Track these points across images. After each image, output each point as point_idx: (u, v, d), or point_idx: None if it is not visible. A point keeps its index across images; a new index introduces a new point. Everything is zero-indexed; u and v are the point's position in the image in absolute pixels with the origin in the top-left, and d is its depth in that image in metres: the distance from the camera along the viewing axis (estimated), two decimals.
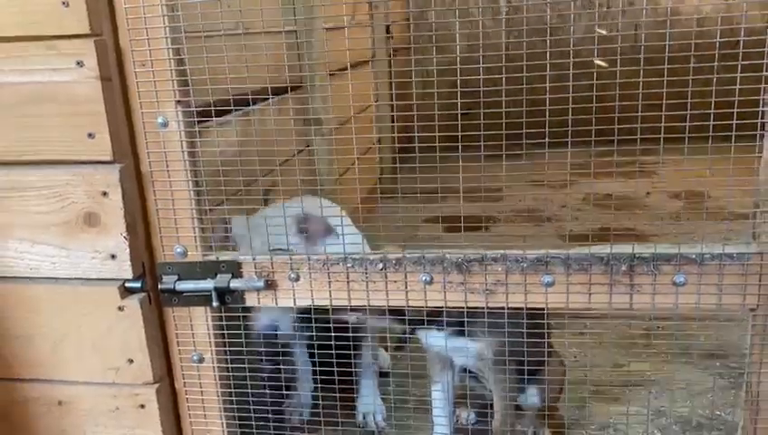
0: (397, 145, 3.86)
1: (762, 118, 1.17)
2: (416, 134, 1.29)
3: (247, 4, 1.35)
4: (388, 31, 4.28)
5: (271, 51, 1.76)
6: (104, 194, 1.35)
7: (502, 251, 1.30)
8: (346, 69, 2.25)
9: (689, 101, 1.15)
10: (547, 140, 1.27)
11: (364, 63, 3.88)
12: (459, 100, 1.32)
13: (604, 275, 1.27)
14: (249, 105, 1.72)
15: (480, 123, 1.35)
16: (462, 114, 1.28)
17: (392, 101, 4.11)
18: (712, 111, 1.13)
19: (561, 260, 1.27)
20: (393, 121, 4.05)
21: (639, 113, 1.28)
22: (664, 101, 1.16)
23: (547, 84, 1.18)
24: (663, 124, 1.18)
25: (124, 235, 1.36)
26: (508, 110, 1.32)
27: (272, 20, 2.12)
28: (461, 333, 1.53)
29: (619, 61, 1.28)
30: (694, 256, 1.23)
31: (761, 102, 1.18)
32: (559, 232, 3.43)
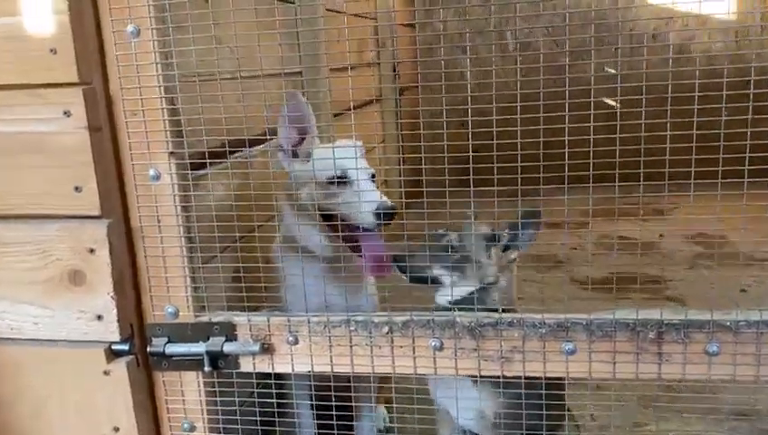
0: (403, 190, 3.77)
1: None
2: (424, 175, 1.20)
3: (248, 48, 1.28)
4: (395, 70, 4.24)
5: (272, 94, 1.69)
6: (91, 251, 1.26)
7: (518, 315, 1.19)
8: (350, 109, 2.18)
9: (685, 133, 1.08)
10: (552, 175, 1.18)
11: (371, 103, 3.83)
12: (470, 139, 1.23)
13: (630, 343, 1.16)
14: (247, 150, 1.64)
15: (487, 165, 1.27)
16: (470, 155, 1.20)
17: (399, 140, 4.05)
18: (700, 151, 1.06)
19: (582, 326, 1.17)
20: (401, 161, 3.98)
21: (639, 147, 1.20)
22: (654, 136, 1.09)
23: (539, 117, 1.11)
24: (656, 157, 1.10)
25: (111, 294, 1.28)
26: (510, 144, 1.23)
27: (273, 62, 2.06)
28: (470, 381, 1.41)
29: (618, 99, 1.21)
30: (728, 324, 1.13)
31: None
32: (573, 276, 3.32)
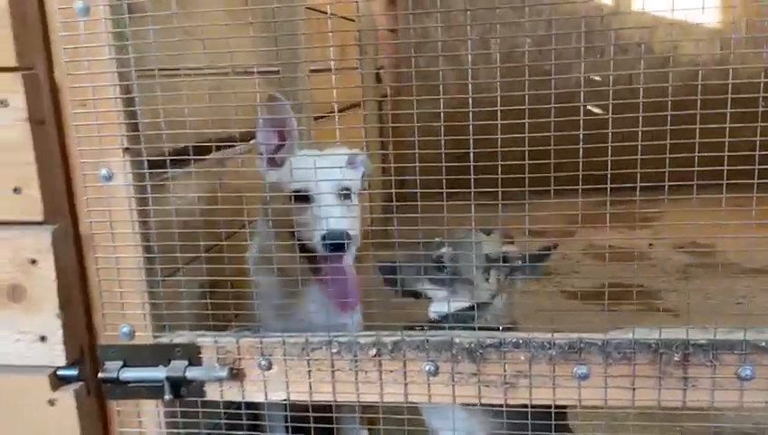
0: (393, 190, 3.63)
1: None
2: (417, 176, 1.08)
3: (221, 43, 1.13)
4: (378, 76, 4.10)
5: (246, 93, 1.52)
6: (32, 262, 1.11)
7: (525, 335, 1.05)
8: (332, 113, 2.04)
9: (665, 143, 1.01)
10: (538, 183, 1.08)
11: (352, 108, 3.68)
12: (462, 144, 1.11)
13: (652, 366, 1.03)
14: (213, 153, 1.47)
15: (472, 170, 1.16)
16: (454, 162, 1.09)
17: (382, 147, 3.91)
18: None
19: (598, 347, 1.03)
20: (383, 165, 3.84)
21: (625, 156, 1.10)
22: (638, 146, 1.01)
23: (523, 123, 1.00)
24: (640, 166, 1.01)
25: (56, 312, 1.12)
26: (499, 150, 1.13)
27: (244, 45, 1.91)
28: None
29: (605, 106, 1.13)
30: (764, 344, 1.00)
31: None
32: (562, 289, 3.19)
